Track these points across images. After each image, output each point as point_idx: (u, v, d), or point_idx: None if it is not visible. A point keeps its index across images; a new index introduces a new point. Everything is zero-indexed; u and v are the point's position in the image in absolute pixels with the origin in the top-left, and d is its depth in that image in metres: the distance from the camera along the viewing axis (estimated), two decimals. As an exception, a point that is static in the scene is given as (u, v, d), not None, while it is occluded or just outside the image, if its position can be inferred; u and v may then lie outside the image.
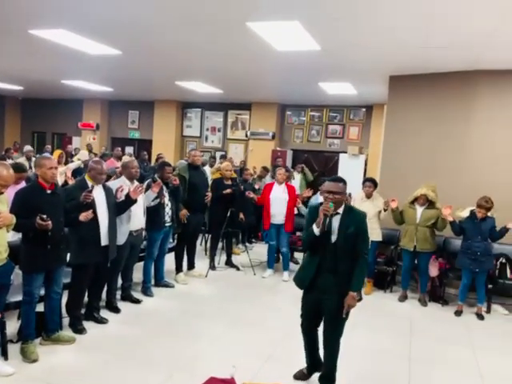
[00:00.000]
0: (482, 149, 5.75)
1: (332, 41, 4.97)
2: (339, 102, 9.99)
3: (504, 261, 5.36)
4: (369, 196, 5.62)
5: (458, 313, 5.07)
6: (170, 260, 5.60)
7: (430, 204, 5.32)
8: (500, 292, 5.39)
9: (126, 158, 6.70)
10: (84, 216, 3.59)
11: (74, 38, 5.48)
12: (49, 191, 3.39)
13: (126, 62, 6.99)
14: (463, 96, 5.84)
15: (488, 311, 5.21)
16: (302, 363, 3.45)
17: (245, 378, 3.19)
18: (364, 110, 10.38)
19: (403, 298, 5.46)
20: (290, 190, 6.07)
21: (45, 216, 3.16)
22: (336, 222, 3.08)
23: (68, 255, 3.75)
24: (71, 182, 5.67)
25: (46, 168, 3.36)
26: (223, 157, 10.19)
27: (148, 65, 7.29)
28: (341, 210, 3.10)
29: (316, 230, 3.04)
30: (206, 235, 7.35)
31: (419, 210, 5.33)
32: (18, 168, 4.13)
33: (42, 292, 3.54)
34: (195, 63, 6.89)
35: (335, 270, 3.06)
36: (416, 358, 3.87)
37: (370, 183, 5.64)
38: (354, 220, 3.07)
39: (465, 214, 5.12)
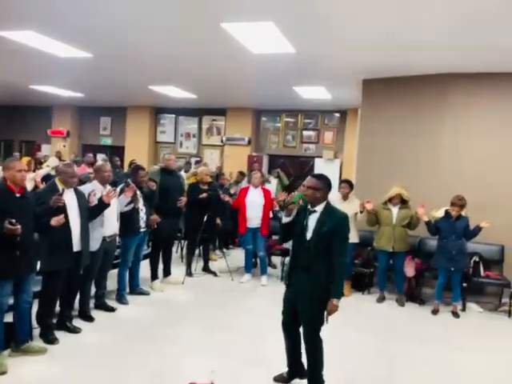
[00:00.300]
0: (454, 149, 5.88)
1: (306, 43, 4.98)
2: (314, 106, 10.07)
3: (477, 259, 5.48)
4: (345, 198, 5.65)
5: (435, 312, 5.13)
6: (145, 267, 5.47)
7: (402, 203, 5.40)
8: (474, 290, 5.52)
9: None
10: (56, 221, 3.45)
11: (42, 39, 5.30)
12: (18, 195, 3.25)
13: (97, 65, 6.84)
14: (435, 98, 5.98)
15: (463, 309, 5.31)
16: (282, 366, 3.40)
17: (225, 383, 3.10)
18: (338, 114, 10.49)
19: (381, 300, 5.50)
20: (266, 193, 6.05)
21: (14, 220, 3.02)
22: (313, 219, 3.07)
23: (38, 262, 3.60)
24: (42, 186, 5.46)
25: (14, 170, 3.22)
26: (198, 162, 10.09)
27: (120, 68, 7.16)
28: (319, 208, 3.08)
29: (284, 218, 3.13)
30: (182, 242, 7.23)
31: (394, 210, 5.40)
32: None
33: (11, 301, 3.37)
34: (169, 67, 6.81)
35: (308, 267, 3.05)
36: (395, 357, 3.89)
37: (345, 184, 5.68)
38: (332, 219, 3.04)
39: (440, 213, 5.22)
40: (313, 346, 3.10)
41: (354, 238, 5.63)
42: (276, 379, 3.35)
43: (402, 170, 6.03)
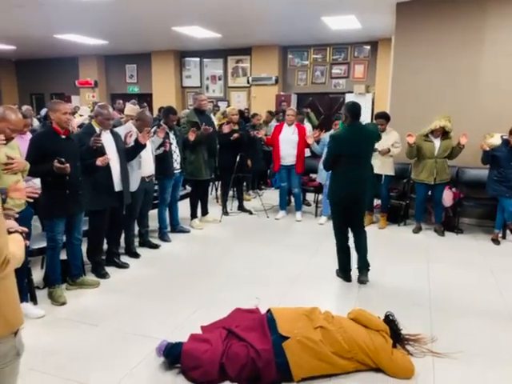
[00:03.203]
0: (494, 73, 5.55)
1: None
2: (343, 39, 9.61)
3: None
4: (382, 130, 5.50)
5: (496, 241, 5.06)
6: (183, 207, 5.62)
7: (444, 134, 5.22)
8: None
9: (129, 108, 6.54)
10: (101, 160, 3.56)
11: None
12: (63, 136, 3.34)
13: (120, 7, 6.69)
14: (474, 21, 5.58)
15: (503, 237, 5.24)
16: (323, 290, 3.52)
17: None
18: (369, 46, 10.00)
19: (418, 230, 5.48)
20: (300, 130, 5.94)
21: (63, 159, 3.13)
22: None
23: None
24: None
25: (60, 113, 3.28)
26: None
27: (142, 10, 6.98)
28: None
29: None
30: (216, 183, 7.34)
31: (436, 142, 5.23)
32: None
33: (64, 239, 3.57)
34: (192, 4, 6.58)
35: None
36: (434, 281, 3.93)
37: (382, 120, 5.49)
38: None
39: (495, 140, 5.03)
40: (365, 237, 3.93)
41: (389, 171, 5.57)
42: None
43: (439, 100, 5.77)
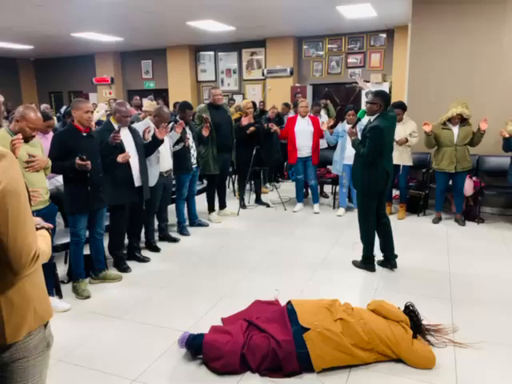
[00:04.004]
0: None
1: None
2: (358, 28, 9.49)
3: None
4: (399, 120, 5.43)
5: None
6: (201, 202, 5.67)
7: (462, 121, 5.13)
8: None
9: (147, 103, 6.60)
10: (122, 157, 3.63)
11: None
12: (84, 134, 3.41)
13: (134, 4, 6.74)
14: (495, 2, 5.44)
15: (526, 225, 5.15)
16: (342, 282, 3.52)
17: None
18: (385, 35, 9.85)
19: (437, 220, 5.42)
20: (314, 121, 5.94)
21: (84, 156, 3.20)
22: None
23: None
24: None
25: (82, 111, 3.35)
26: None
27: (157, 5, 7.01)
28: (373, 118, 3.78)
29: (352, 138, 3.95)
30: (233, 177, 7.37)
31: (455, 129, 5.14)
32: (45, 116, 4.11)
33: (87, 234, 3.65)
34: (205, -2, 6.59)
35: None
36: (455, 271, 3.89)
37: (398, 109, 5.37)
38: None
39: None
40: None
41: (407, 161, 5.51)
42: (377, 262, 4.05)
43: (457, 87, 5.66)
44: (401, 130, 5.26)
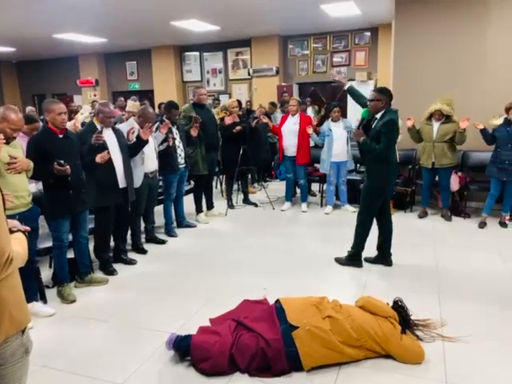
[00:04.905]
0: (498, 54, 5.49)
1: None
2: (343, 26, 9.52)
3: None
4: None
5: (483, 224, 5.05)
6: (188, 202, 5.63)
7: (446, 118, 5.17)
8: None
9: (130, 104, 6.54)
10: (100, 157, 3.56)
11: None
12: (60, 136, 3.33)
13: (117, 3, 6.66)
14: (478, 2, 5.51)
15: (511, 219, 5.19)
16: (331, 279, 3.52)
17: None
18: (369, 33, 9.91)
19: (423, 214, 5.47)
20: (303, 120, 5.87)
21: (62, 161, 3.13)
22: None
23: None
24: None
25: (55, 113, 3.26)
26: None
27: (139, 5, 6.94)
28: (378, 115, 3.75)
29: (361, 139, 3.82)
30: (221, 177, 7.33)
31: (435, 125, 5.20)
32: (30, 119, 4.01)
33: (70, 238, 3.58)
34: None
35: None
36: (443, 266, 3.91)
37: None
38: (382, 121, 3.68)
39: (499, 121, 4.97)
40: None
41: (393, 157, 5.53)
42: (365, 259, 4.06)
43: (442, 86, 5.70)
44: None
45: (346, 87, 4.09)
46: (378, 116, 3.71)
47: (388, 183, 3.86)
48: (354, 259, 4.00)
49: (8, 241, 1.20)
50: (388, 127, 3.62)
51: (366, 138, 3.76)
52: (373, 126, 3.76)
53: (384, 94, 3.69)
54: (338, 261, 4.08)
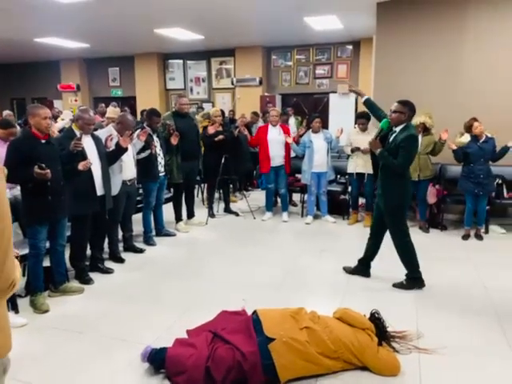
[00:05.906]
0: (475, 70, 5.65)
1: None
2: (326, 39, 9.66)
3: (500, 182, 5.39)
4: (364, 130, 5.55)
5: (466, 237, 5.12)
6: (168, 210, 5.58)
7: (425, 131, 5.28)
8: (497, 212, 5.49)
9: (110, 110, 6.48)
10: (83, 165, 3.51)
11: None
12: (43, 141, 3.27)
13: (99, 9, 6.62)
14: (454, 19, 5.67)
15: (486, 232, 5.31)
16: (309, 290, 3.51)
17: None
18: (351, 46, 10.07)
19: (402, 227, 5.52)
20: (286, 130, 5.95)
21: (43, 165, 3.06)
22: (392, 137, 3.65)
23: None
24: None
25: (40, 118, 3.21)
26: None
27: (123, 11, 6.91)
28: (398, 129, 3.61)
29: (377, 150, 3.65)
30: (202, 186, 7.30)
31: (419, 138, 5.27)
32: (6, 123, 3.92)
33: (47, 245, 3.49)
34: (173, 5, 6.54)
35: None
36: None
37: (363, 119, 5.54)
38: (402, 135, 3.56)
39: (465, 139, 5.09)
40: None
41: (370, 169, 5.59)
42: (344, 268, 4.12)
43: (420, 100, 5.76)
44: (366, 140, 5.33)
45: (363, 99, 4.00)
46: (398, 129, 3.60)
47: (405, 198, 3.72)
48: (415, 281, 3.78)
49: (13, 267, 1.21)
50: (409, 142, 3.50)
51: (383, 150, 3.62)
52: (390, 139, 3.64)
53: (408, 106, 3.57)
54: (402, 286, 3.78)
